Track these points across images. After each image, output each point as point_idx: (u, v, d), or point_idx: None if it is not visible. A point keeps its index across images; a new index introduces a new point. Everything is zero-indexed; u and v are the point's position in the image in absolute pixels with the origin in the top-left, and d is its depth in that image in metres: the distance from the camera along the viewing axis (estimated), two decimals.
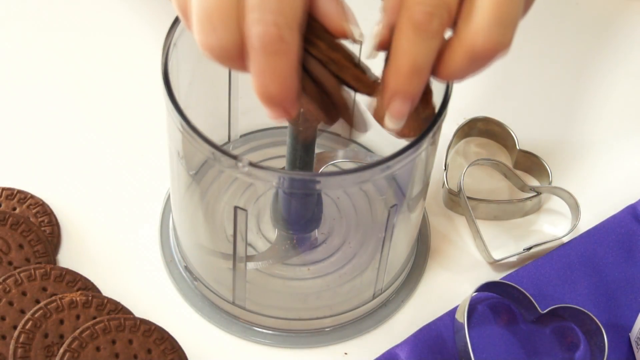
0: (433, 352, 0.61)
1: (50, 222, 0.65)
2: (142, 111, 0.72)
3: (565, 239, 0.67)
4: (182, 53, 0.57)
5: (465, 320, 0.60)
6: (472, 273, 0.66)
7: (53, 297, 0.60)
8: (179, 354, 0.60)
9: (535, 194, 0.68)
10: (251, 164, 0.51)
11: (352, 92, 0.52)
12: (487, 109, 0.73)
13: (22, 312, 0.60)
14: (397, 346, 0.61)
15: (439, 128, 0.55)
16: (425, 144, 0.54)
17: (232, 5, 0.47)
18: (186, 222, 0.62)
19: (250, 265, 0.62)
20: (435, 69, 0.50)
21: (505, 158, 0.72)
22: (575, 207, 0.67)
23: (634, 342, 0.62)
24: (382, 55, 0.51)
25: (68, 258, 0.65)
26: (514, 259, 0.66)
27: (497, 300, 0.64)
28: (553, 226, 0.69)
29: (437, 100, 0.56)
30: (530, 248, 0.66)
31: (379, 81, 0.51)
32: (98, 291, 0.62)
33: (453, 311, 0.63)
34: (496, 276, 0.66)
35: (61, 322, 0.60)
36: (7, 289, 0.60)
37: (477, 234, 0.66)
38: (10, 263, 0.62)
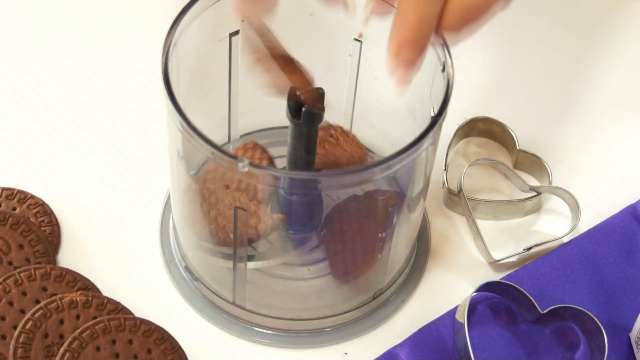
0: (433, 352, 0.61)
1: (50, 222, 0.65)
2: (142, 111, 0.72)
3: (565, 239, 0.67)
4: (182, 53, 0.57)
5: (465, 320, 0.60)
6: (472, 273, 0.66)
7: (53, 297, 0.60)
8: (179, 354, 0.60)
9: (535, 194, 0.68)
10: (251, 164, 0.51)
11: None
12: (487, 109, 0.73)
13: (22, 312, 0.60)
14: (397, 346, 0.61)
15: (439, 128, 0.55)
16: (425, 144, 0.54)
17: None
18: (186, 222, 0.62)
19: (251, 265, 0.62)
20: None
21: (505, 158, 0.72)
22: (575, 207, 0.67)
23: (634, 342, 0.62)
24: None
25: (68, 258, 0.65)
26: (514, 259, 0.66)
27: (497, 300, 0.64)
28: (553, 226, 0.69)
29: (437, 100, 0.56)
30: (530, 248, 0.66)
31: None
32: (98, 291, 0.62)
33: (453, 311, 0.63)
34: (496, 276, 0.66)
35: (61, 322, 0.60)
36: (7, 289, 0.60)
37: (477, 234, 0.66)
38: (10, 263, 0.62)
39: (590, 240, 0.66)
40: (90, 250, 0.65)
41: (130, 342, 0.59)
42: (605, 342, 0.60)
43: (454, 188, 0.68)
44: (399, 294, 0.65)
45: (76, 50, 0.75)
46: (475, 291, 0.62)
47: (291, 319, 0.63)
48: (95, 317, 0.60)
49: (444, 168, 0.68)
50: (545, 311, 0.62)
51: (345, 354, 0.62)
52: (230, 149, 0.68)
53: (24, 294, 0.61)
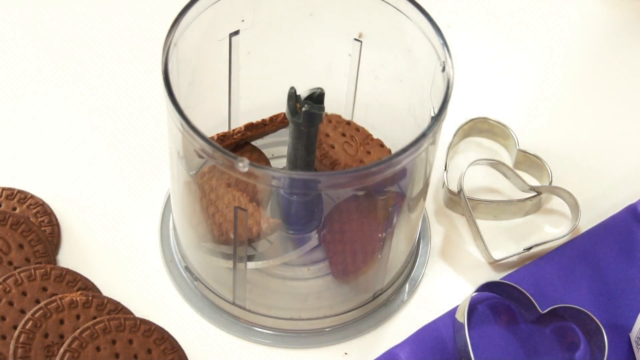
0: (433, 352, 0.61)
1: (51, 222, 0.65)
2: (142, 111, 0.72)
3: (566, 239, 0.67)
4: (182, 53, 0.57)
5: (465, 320, 0.60)
6: (472, 273, 0.66)
7: (53, 297, 0.60)
8: (179, 354, 0.60)
9: (535, 194, 0.68)
10: (251, 164, 0.51)
11: None
12: (487, 109, 0.73)
13: (22, 312, 0.60)
14: (397, 346, 0.61)
15: (439, 128, 0.55)
16: (425, 144, 0.54)
17: None
18: (186, 222, 0.62)
19: (251, 265, 0.62)
20: None
21: (505, 158, 0.72)
22: (575, 207, 0.67)
23: (634, 342, 0.62)
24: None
25: (68, 258, 0.65)
26: (514, 259, 0.66)
27: (497, 300, 0.64)
28: (553, 226, 0.69)
29: (437, 100, 0.56)
30: (530, 248, 0.66)
31: None
32: (98, 291, 0.62)
33: (453, 311, 0.63)
34: (496, 276, 0.66)
35: (61, 322, 0.60)
36: (7, 289, 0.60)
37: (477, 234, 0.66)
38: (10, 263, 0.62)
39: (590, 240, 0.66)
40: (90, 250, 0.65)
41: (131, 342, 0.59)
42: (605, 342, 0.60)
43: (454, 188, 0.68)
44: (399, 294, 0.65)
45: (76, 50, 0.75)
46: (475, 291, 0.62)
47: (291, 319, 0.63)
48: (95, 317, 0.60)
49: (444, 168, 0.68)
50: (545, 311, 0.62)
51: (345, 354, 0.62)
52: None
53: (24, 294, 0.61)
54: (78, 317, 0.60)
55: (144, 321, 0.60)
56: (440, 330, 0.62)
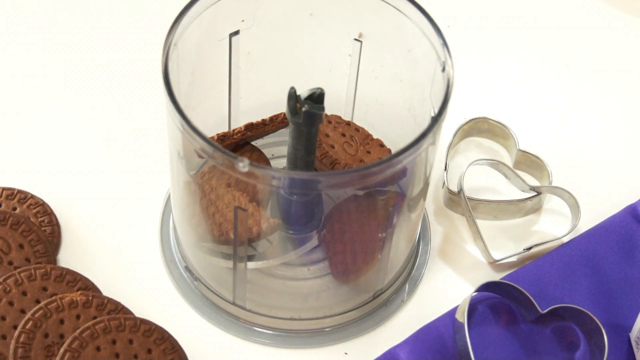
0: (433, 352, 0.61)
1: (51, 222, 0.65)
2: (142, 111, 0.72)
3: (565, 239, 0.67)
4: (182, 53, 0.57)
5: (466, 320, 0.60)
6: (472, 273, 0.66)
7: (53, 297, 0.60)
8: (179, 354, 0.60)
9: (535, 193, 0.68)
10: (251, 164, 0.51)
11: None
12: (487, 109, 0.73)
13: (23, 312, 0.60)
14: (397, 346, 0.61)
15: (439, 128, 0.55)
16: (425, 144, 0.54)
17: None
18: (186, 222, 0.62)
19: (251, 265, 0.62)
20: None
21: (505, 158, 0.72)
22: (575, 207, 0.67)
23: (634, 342, 0.62)
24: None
25: (68, 258, 0.65)
26: (514, 259, 0.66)
27: (497, 300, 0.64)
28: (553, 226, 0.69)
29: (437, 100, 0.56)
30: (530, 248, 0.66)
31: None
32: (98, 291, 0.62)
33: (453, 311, 0.63)
34: (496, 276, 0.66)
35: (61, 322, 0.60)
36: (8, 288, 0.60)
37: (477, 234, 0.66)
38: (10, 263, 0.62)
39: (590, 240, 0.66)
40: (90, 250, 0.65)
41: (131, 342, 0.59)
42: (605, 342, 0.60)
43: (454, 188, 0.68)
44: (399, 294, 0.65)
45: (76, 50, 0.75)
46: (475, 291, 0.62)
47: (291, 319, 0.63)
48: (95, 317, 0.60)
49: (444, 168, 0.69)
50: (545, 311, 0.62)
51: (345, 354, 0.62)
52: None
53: (24, 293, 0.61)
54: (78, 317, 0.60)
55: (144, 321, 0.60)
56: (440, 330, 0.62)
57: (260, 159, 0.66)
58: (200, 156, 0.54)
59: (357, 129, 0.67)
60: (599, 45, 0.79)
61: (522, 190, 0.69)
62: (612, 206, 0.69)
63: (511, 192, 0.69)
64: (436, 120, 0.54)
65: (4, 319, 0.60)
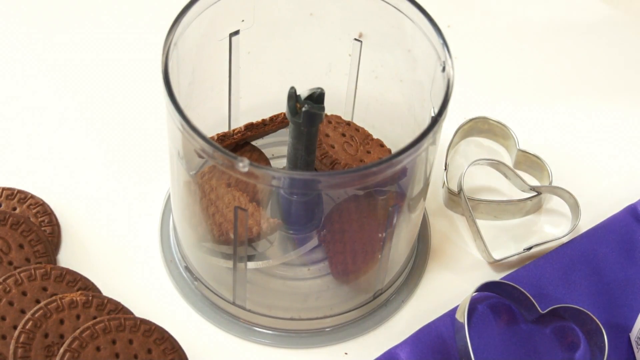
0: (433, 352, 0.61)
1: (51, 222, 0.65)
2: (142, 111, 0.72)
3: (565, 239, 0.67)
4: (182, 53, 0.57)
5: (466, 320, 0.60)
6: (472, 273, 0.66)
7: (53, 297, 0.60)
8: (179, 354, 0.60)
9: (535, 193, 0.68)
10: (251, 164, 0.51)
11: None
12: (487, 109, 0.73)
13: (23, 312, 0.60)
14: (397, 346, 0.61)
15: (439, 128, 0.55)
16: (425, 144, 0.54)
17: None
18: (186, 222, 0.62)
19: (251, 265, 0.62)
20: None
21: (505, 158, 0.72)
22: (575, 207, 0.67)
23: (634, 342, 0.62)
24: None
25: (68, 258, 0.65)
26: (514, 259, 0.66)
27: (497, 300, 0.64)
28: (553, 226, 0.69)
29: (437, 100, 0.56)
30: (530, 248, 0.66)
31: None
32: (98, 291, 0.62)
33: (453, 311, 0.63)
34: (496, 276, 0.66)
35: (61, 322, 0.60)
36: (7, 289, 0.60)
37: (477, 234, 0.66)
38: (10, 263, 0.62)
39: (590, 240, 0.66)
40: (90, 250, 0.65)
41: (131, 342, 0.59)
42: (605, 342, 0.60)
43: (454, 188, 0.68)
44: (399, 294, 0.65)
45: (76, 50, 0.75)
46: (475, 291, 0.62)
47: (291, 319, 0.63)
48: (95, 317, 0.60)
49: (444, 168, 0.68)
50: (545, 311, 0.62)
51: (345, 354, 0.62)
52: None
53: (24, 294, 0.61)
54: (78, 317, 0.60)
55: (144, 321, 0.60)
56: (440, 330, 0.62)
57: (260, 159, 0.66)
58: (200, 156, 0.54)
59: (357, 129, 0.67)
60: (599, 45, 0.79)
61: (522, 190, 0.69)
62: (612, 206, 0.69)
63: (511, 192, 0.69)
64: (436, 120, 0.54)
65: (4, 319, 0.60)
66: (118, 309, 0.61)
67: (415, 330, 0.62)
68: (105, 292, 0.63)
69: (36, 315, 0.59)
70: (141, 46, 0.75)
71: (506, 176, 0.70)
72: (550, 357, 0.62)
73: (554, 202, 0.69)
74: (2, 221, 0.63)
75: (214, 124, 0.67)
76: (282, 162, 0.66)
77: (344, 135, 0.65)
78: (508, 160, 0.71)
